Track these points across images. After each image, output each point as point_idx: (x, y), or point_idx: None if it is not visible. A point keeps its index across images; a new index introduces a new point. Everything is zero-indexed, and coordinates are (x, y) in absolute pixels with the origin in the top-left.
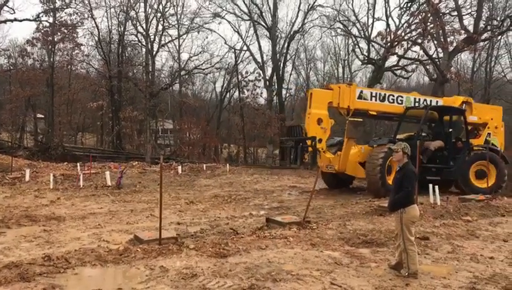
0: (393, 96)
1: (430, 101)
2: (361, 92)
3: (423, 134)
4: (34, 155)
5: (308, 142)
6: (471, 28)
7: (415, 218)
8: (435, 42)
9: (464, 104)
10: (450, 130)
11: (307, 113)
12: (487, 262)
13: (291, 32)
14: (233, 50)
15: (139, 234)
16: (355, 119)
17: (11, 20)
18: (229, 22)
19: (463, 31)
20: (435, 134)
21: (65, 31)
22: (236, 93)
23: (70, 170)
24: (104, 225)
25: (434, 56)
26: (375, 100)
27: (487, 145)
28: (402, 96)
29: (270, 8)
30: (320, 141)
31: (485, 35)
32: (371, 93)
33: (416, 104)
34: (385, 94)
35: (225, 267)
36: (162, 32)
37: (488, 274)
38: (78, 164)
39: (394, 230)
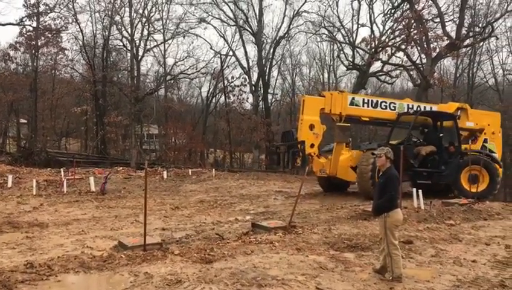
0: (386, 102)
1: (424, 107)
2: (353, 98)
3: (414, 139)
4: (16, 161)
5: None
6: (453, 35)
7: (399, 222)
8: (418, 48)
9: (459, 111)
10: (441, 135)
11: (299, 119)
12: (470, 265)
13: (277, 38)
14: (219, 55)
15: (123, 240)
16: (343, 124)
17: None
18: (214, 27)
19: (446, 37)
20: (427, 139)
21: (49, 35)
22: (222, 98)
23: (54, 175)
24: (88, 231)
25: (417, 62)
26: (367, 106)
27: (480, 150)
28: (395, 103)
29: (255, 14)
30: (312, 145)
31: (467, 41)
32: (363, 100)
33: (410, 110)
34: (377, 101)
35: (210, 273)
36: (147, 37)
37: (471, 277)
38: (61, 170)
39: (378, 234)
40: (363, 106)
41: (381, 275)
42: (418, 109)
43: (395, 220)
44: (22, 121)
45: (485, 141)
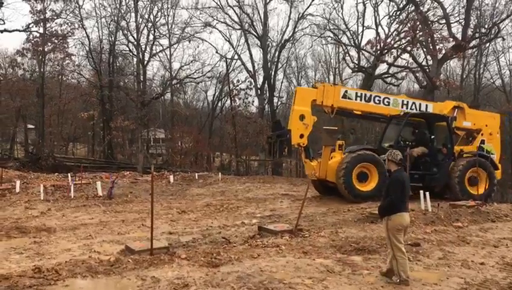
0: (380, 97)
1: (420, 104)
2: (346, 91)
3: (404, 142)
4: (24, 166)
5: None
6: (459, 36)
7: (401, 226)
8: (424, 50)
9: (456, 109)
10: (432, 136)
11: (291, 109)
12: (478, 268)
13: (282, 41)
14: (224, 59)
15: (130, 245)
16: (330, 127)
17: (1, 31)
18: (220, 32)
19: (451, 39)
20: (418, 140)
21: (55, 41)
22: (228, 102)
23: (61, 180)
24: (95, 235)
25: (423, 63)
26: (360, 100)
27: (479, 152)
28: (389, 98)
29: (260, 18)
30: (301, 136)
31: (474, 42)
32: (356, 93)
33: (404, 107)
34: (371, 95)
35: (217, 277)
36: (153, 42)
37: (479, 280)
38: (69, 175)
39: (385, 237)
40: (355, 99)
41: (388, 278)
42: (413, 105)
43: (397, 223)
44: (30, 126)
45: (482, 142)
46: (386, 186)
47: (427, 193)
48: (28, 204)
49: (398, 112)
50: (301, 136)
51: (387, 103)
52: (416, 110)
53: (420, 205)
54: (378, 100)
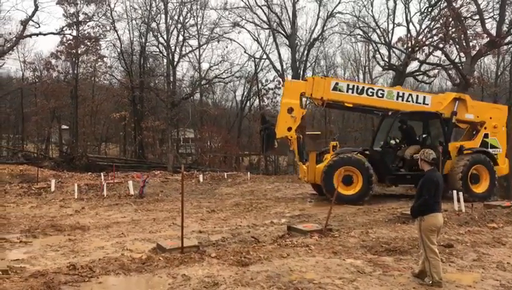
0: (373, 89)
1: (417, 96)
2: (337, 83)
3: (392, 142)
4: (59, 166)
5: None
6: (494, 32)
7: (434, 226)
8: (457, 47)
9: (457, 101)
10: (424, 135)
11: (280, 102)
12: None
13: (311, 40)
14: (253, 59)
15: (161, 243)
16: (313, 132)
17: (36, 34)
18: (248, 31)
19: (485, 35)
20: (409, 139)
21: (88, 43)
22: (257, 102)
23: (94, 179)
24: (127, 233)
25: (456, 61)
26: (352, 92)
27: (480, 148)
28: (383, 90)
29: (289, 17)
30: (289, 129)
31: (509, 38)
32: (347, 85)
33: (400, 99)
34: (363, 87)
35: (246, 276)
36: (183, 43)
37: None
38: (101, 174)
39: (418, 238)
40: (347, 91)
41: (420, 279)
42: (409, 98)
43: (430, 224)
44: (64, 127)
45: (486, 136)
46: (419, 186)
47: (461, 193)
48: (62, 203)
49: (392, 105)
50: (289, 129)
51: (381, 95)
52: (413, 102)
53: (453, 206)
54: (371, 92)
